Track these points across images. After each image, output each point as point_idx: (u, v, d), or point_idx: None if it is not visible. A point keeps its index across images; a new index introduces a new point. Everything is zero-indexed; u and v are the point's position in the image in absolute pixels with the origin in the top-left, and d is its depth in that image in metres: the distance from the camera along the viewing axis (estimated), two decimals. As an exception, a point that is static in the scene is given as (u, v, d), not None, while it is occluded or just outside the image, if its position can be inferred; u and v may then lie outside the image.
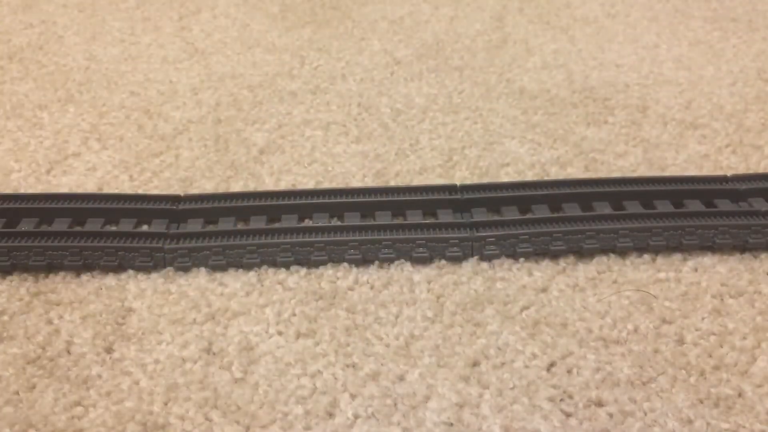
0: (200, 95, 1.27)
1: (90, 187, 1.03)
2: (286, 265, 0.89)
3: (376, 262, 0.89)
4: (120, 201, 0.96)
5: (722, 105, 1.22)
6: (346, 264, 0.89)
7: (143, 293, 0.85)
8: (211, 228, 0.94)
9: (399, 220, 0.95)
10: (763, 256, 0.90)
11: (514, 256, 0.89)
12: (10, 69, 1.35)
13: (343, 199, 0.96)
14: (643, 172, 1.06)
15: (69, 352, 0.78)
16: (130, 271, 0.88)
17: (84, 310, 0.83)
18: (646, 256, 0.90)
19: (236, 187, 1.03)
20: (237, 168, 1.07)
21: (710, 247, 0.91)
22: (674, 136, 1.14)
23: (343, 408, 0.72)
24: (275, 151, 1.11)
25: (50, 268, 0.88)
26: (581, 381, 0.74)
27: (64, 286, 0.86)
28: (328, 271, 0.88)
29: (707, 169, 1.06)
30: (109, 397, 0.73)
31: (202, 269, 0.88)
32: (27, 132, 1.16)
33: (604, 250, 0.90)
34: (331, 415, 0.71)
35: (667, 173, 1.05)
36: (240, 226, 0.95)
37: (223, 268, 0.88)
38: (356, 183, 1.04)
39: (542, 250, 0.89)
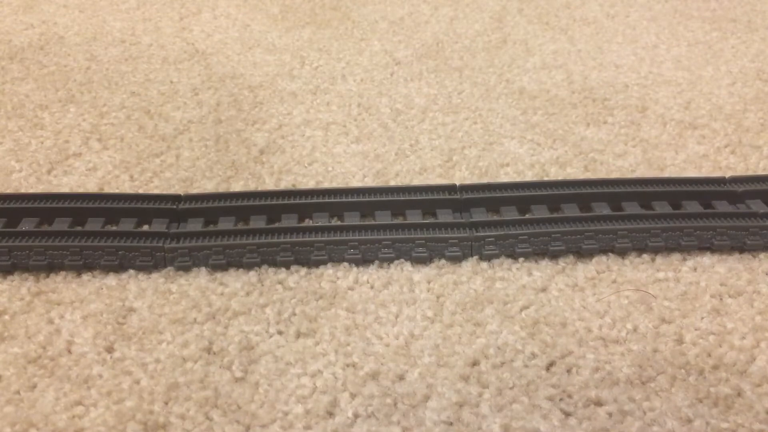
0: (201, 95, 1.27)
1: (91, 187, 1.04)
2: (286, 265, 0.89)
3: (376, 262, 0.89)
4: (120, 201, 0.96)
5: (721, 105, 1.22)
6: (346, 264, 0.89)
7: (144, 293, 0.86)
8: (211, 228, 0.94)
9: (399, 220, 0.95)
10: (761, 255, 0.90)
11: (514, 256, 0.90)
12: (11, 69, 1.35)
13: (343, 199, 0.97)
14: (642, 172, 1.06)
15: (70, 352, 0.78)
16: (131, 271, 0.88)
17: (85, 309, 0.83)
18: (646, 256, 0.90)
19: (236, 187, 1.03)
20: (237, 168, 1.07)
21: (708, 247, 0.91)
22: (673, 136, 1.14)
23: (343, 407, 0.72)
24: (275, 151, 1.11)
25: (51, 268, 0.88)
26: (580, 380, 0.74)
27: (64, 286, 0.87)
28: (328, 271, 0.88)
29: (706, 170, 1.06)
30: (110, 397, 0.73)
31: (203, 269, 0.88)
32: (28, 132, 1.16)
33: (603, 250, 0.90)
34: (331, 414, 0.71)
35: (667, 173, 1.05)
36: (240, 225, 0.95)
37: (223, 268, 0.89)
38: (356, 183, 1.04)
39: (541, 251, 0.90)
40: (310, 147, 1.13)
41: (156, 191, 1.02)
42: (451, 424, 0.70)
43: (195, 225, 0.94)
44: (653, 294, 0.85)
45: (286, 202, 0.96)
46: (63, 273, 0.88)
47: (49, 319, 0.82)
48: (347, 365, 0.76)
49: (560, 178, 1.04)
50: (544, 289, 0.85)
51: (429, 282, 0.86)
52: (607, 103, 1.24)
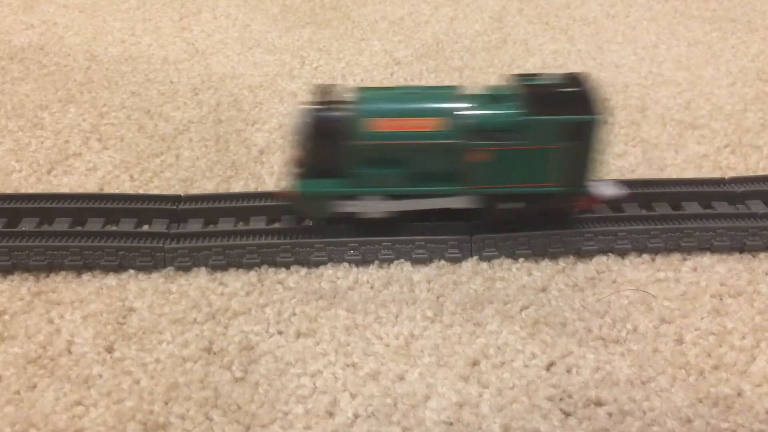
0: (201, 95, 1.27)
1: (91, 187, 1.03)
2: (286, 265, 0.89)
3: (376, 262, 0.89)
4: (120, 201, 0.96)
5: (721, 105, 1.22)
6: (346, 264, 0.89)
7: (144, 293, 0.86)
8: (211, 228, 0.94)
9: (399, 220, 0.95)
10: (761, 255, 0.90)
11: (513, 257, 0.90)
12: (11, 69, 1.35)
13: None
14: (642, 172, 1.06)
15: (70, 352, 0.78)
16: (131, 271, 0.88)
17: (85, 309, 0.83)
18: (646, 256, 0.90)
19: (237, 187, 1.03)
20: (237, 168, 1.07)
21: (708, 248, 0.91)
22: (673, 136, 1.14)
23: (343, 407, 0.72)
24: (275, 151, 1.11)
25: (51, 268, 0.88)
26: (581, 380, 0.74)
27: (65, 286, 0.87)
28: (328, 271, 0.88)
29: (706, 170, 1.06)
30: (110, 397, 0.73)
31: (203, 269, 0.88)
32: (28, 132, 1.16)
33: (603, 251, 0.90)
34: (331, 414, 0.71)
35: (666, 173, 1.05)
36: (240, 226, 0.95)
37: (223, 268, 0.89)
38: (356, 183, 1.04)
39: (541, 252, 0.90)
40: (310, 147, 1.12)
41: (156, 191, 1.02)
42: (451, 424, 0.70)
43: (195, 225, 0.94)
44: (653, 294, 0.85)
45: (286, 202, 0.96)
46: (63, 273, 0.88)
47: (49, 319, 0.82)
48: (347, 365, 0.76)
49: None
50: (544, 289, 0.85)
51: (429, 282, 0.86)
52: (606, 103, 1.23)
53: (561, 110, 0.83)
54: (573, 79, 0.87)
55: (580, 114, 0.83)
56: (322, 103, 0.86)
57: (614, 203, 0.95)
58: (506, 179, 0.85)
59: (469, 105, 0.84)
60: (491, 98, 0.86)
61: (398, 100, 0.85)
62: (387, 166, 0.85)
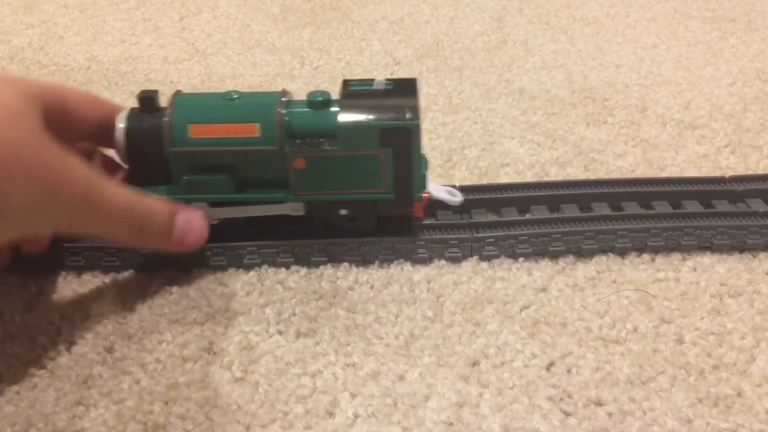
0: (200, 95, 1.27)
1: (91, 187, 1.03)
2: (286, 265, 0.89)
3: (376, 262, 0.89)
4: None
5: (721, 105, 1.22)
6: (346, 263, 0.89)
7: (144, 293, 0.85)
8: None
9: (399, 220, 0.95)
10: (762, 255, 0.90)
11: (514, 256, 0.90)
12: (11, 69, 1.35)
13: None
14: (642, 172, 1.06)
15: (70, 352, 0.78)
16: (131, 271, 0.88)
17: (85, 309, 0.83)
18: (646, 256, 0.90)
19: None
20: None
21: (708, 247, 0.91)
22: (673, 136, 1.14)
23: (343, 407, 0.72)
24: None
25: (52, 268, 0.88)
26: (581, 380, 0.74)
27: (65, 286, 0.87)
28: (328, 271, 0.88)
29: (706, 170, 1.06)
30: (110, 397, 0.73)
31: (203, 269, 0.88)
32: (28, 132, 1.16)
33: (603, 250, 0.90)
34: (331, 414, 0.71)
35: (666, 173, 1.05)
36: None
37: (223, 268, 0.89)
38: (356, 183, 1.04)
39: (541, 251, 0.90)
40: (310, 147, 1.12)
41: (156, 191, 1.02)
42: (451, 424, 0.70)
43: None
44: (653, 294, 0.85)
45: None
46: (63, 273, 0.88)
47: (49, 319, 0.82)
48: (347, 365, 0.76)
49: (560, 178, 1.04)
50: (544, 289, 0.85)
51: (429, 282, 0.86)
52: (607, 103, 1.24)
53: (376, 116, 0.82)
54: (400, 85, 0.86)
55: (395, 120, 0.82)
56: (141, 109, 0.86)
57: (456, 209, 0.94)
58: (327, 186, 0.85)
59: (288, 111, 0.84)
60: (312, 104, 0.85)
61: (218, 106, 0.84)
62: (210, 172, 0.85)
